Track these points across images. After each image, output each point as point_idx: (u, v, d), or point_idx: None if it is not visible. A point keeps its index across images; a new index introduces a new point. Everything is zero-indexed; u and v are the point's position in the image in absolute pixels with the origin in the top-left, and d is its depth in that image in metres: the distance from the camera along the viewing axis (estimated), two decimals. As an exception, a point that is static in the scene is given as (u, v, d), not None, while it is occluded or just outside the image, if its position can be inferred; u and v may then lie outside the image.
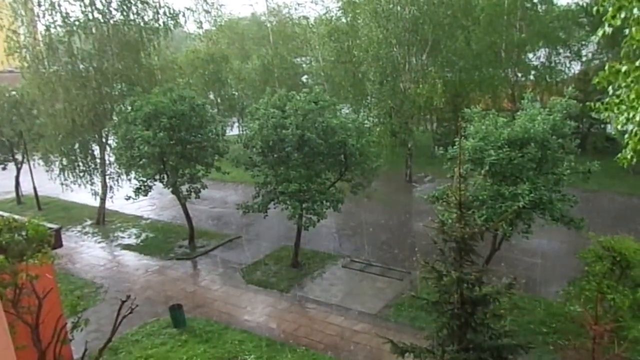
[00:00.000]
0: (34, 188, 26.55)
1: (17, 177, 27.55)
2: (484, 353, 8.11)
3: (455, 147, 13.28)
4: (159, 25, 23.45)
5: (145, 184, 19.25)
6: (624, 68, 5.49)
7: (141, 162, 18.70)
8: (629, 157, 5.85)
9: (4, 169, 27.84)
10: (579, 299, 11.45)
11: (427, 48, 26.31)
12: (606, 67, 5.68)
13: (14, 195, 28.12)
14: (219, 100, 38.02)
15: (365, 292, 16.11)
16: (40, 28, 22.45)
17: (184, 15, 24.57)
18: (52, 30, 21.70)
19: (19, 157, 27.34)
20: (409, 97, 26.26)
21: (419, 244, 19.07)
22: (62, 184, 23.94)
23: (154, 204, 26.43)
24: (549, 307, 14.42)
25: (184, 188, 19.56)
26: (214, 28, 42.33)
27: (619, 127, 6.06)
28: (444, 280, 8.10)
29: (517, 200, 12.17)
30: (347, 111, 28.62)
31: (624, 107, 5.81)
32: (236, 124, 38.89)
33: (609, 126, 27.65)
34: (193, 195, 19.70)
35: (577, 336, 10.19)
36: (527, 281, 15.71)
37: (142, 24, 22.97)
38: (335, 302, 15.63)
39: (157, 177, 19.24)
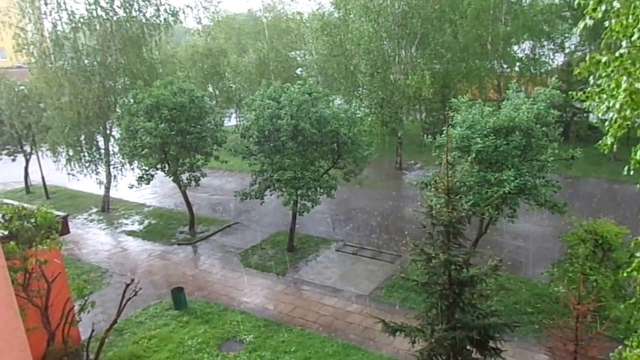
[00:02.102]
0: (42, 178, 26.35)
1: (26, 168, 27.41)
2: (471, 332, 8.06)
3: (443, 135, 13.16)
4: (160, 21, 23.30)
5: (148, 173, 19.11)
6: (604, 59, 5.36)
7: (143, 152, 18.54)
8: (609, 143, 5.74)
9: (13, 160, 27.63)
10: (562, 280, 11.37)
11: (416, 41, 26.01)
12: (587, 58, 5.55)
13: (23, 184, 27.92)
14: (217, 93, 37.64)
15: (358, 275, 16.06)
16: (47, 25, 22.29)
17: (183, 12, 24.44)
18: (58, 27, 21.62)
19: (27, 148, 27.17)
20: (399, 88, 26.02)
21: (409, 228, 19.04)
22: (68, 173, 23.73)
23: (155, 192, 26.21)
24: (533, 288, 14.41)
25: (184, 176, 19.41)
26: (212, 24, 41.72)
27: (599, 115, 5.97)
28: (432, 263, 8.03)
29: (502, 186, 12.08)
30: (340, 102, 28.35)
31: (604, 96, 5.70)
32: (234, 115, 38.54)
33: (591, 115, 27.52)
34: (193, 183, 19.55)
35: (561, 316, 10.10)
36: (512, 263, 15.71)
37: (143, 20, 22.84)
38: (329, 284, 15.59)
39: (159, 166, 19.11)
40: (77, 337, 12.44)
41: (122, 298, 11.16)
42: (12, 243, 9.51)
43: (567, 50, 30.61)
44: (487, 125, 12.82)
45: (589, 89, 5.88)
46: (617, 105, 5.36)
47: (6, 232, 9.97)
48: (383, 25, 25.12)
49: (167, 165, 18.98)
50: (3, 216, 10.38)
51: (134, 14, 22.44)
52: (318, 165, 16.92)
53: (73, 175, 23.65)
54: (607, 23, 5.18)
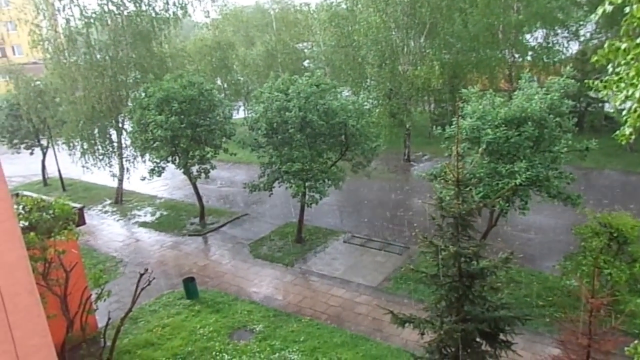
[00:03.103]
0: (59, 170, 26.60)
1: (43, 161, 27.69)
2: (481, 324, 7.87)
3: (452, 126, 12.84)
4: (169, 15, 23.26)
5: (159, 165, 19.09)
6: (623, 46, 5.09)
7: (155, 145, 18.56)
8: (627, 133, 5.47)
9: (31, 153, 27.96)
10: (575, 273, 11.08)
11: (425, 31, 25.43)
12: (606, 45, 5.27)
13: (41, 177, 28.23)
14: (225, 85, 37.48)
15: (366, 266, 15.90)
16: (61, 21, 22.39)
17: (192, 5, 24.31)
18: (71, 23, 21.69)
19: (44, 142, 27.46)
20: (407, 79, 25.54)
21: (417, 220, 18.79)
22: (83, 166, 23.93)
23: (167, 184, 26.26)
24: (545, 281, 14.08)
25: (194, 169, 19.40)
26: (220, 17, 41.45)
27: (617, 104, 5.69)
28: (442, 255, 7.80)
29: (513, 178, 11.74)
30: (348, 93, 27.97)
31: (623, 84, 5.42)
32: (242, 108, 38.36)
33: (607, 105, 26.70)
34: (203, 175, 19.52)
35: (573, 309, 9.81)
36: (523, 256, 15.35)
37: (153, 14, 22.84)
38: (337, 275, 15.47)
39: (170, 158, 19.08)
40: (95, 324, 12.61)
41: (137, 287, 11.21)
42: (32, 234, 9.63)
43: (582, 39, 29.61)
44: (498, 116, 12.46)
45: (606, 77, 5.60)
46: (637, 94, 5.10)
47: (26, 223, 10.09)
48: (391, 15, 24.59)
49: (177, 158, 18.96)
50: (23, 208, 10.54)
51: (143, 8, 22.46)
52: (326, 157, 16.73)
53: (87, 168, 23.84)
54: (627, 9, 4.89)
